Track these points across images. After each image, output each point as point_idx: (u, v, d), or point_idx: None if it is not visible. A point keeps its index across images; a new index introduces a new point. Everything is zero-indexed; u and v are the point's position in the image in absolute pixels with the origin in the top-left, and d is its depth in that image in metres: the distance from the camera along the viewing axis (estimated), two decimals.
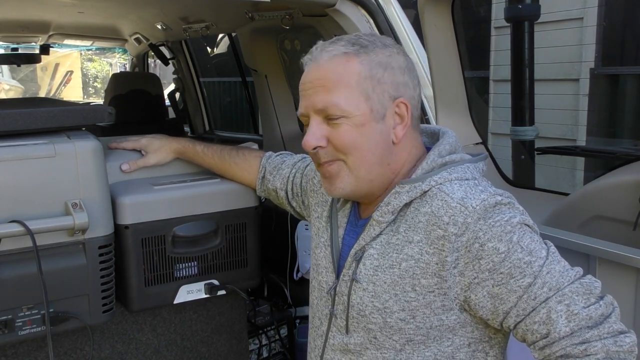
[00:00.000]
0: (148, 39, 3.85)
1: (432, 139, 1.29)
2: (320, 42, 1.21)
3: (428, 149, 1.24)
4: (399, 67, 1.18)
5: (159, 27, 3.34)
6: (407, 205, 1.16)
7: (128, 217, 1.58)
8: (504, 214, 1.08)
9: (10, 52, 4.29)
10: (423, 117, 1.81)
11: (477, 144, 1.59)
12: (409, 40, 1.88)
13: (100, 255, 1.51)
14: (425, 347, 1.13)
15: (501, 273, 1.06)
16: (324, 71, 1.16)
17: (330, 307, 1.26)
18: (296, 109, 2.97)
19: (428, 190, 1.14)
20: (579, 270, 1.09)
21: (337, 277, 1.25)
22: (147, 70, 4.81)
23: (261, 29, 2.64)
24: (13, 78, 10.29)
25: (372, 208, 1.23)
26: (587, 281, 1.07)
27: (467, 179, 1.14)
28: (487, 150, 1.59)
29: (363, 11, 1.92)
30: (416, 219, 1.13)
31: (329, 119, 1.16)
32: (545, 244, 1.11)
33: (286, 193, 1.59)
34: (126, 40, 4.18)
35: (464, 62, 1.65)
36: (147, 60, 4.68)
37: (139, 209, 1.60)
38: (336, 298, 1.24)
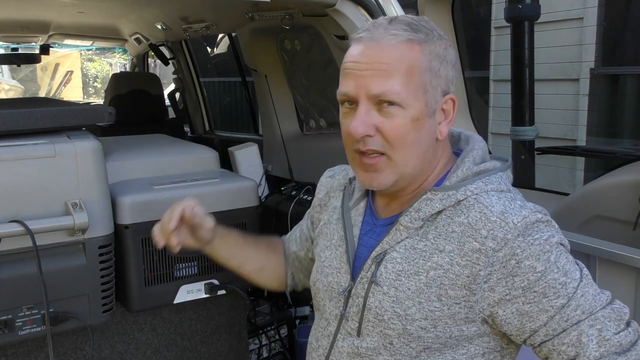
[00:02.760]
0: (148, 39, 3.85)
1: (453, 141, 1.22)
2: (377, 21, 1.12)
3: (455, 153, 1.19)
4: (451, 60, 1.12)
5: (159, 27, 3.34)
6: (438, 212, 1.11)
7: (128, 217, 1.58)
8: (543, 233, 1.05)
9: (10, 52, 4.29)
10: None
11: None
12: None
13: (100, 255, 1.51)
14: (440, 354, 1.10)
15: (535, 292, 1.03)
16: (387, 54, 1.06)
17: (341, 308, 1.19)
18: (297, 109, 2.98)
19: (463, 200, 1.09)
20: (609, 294, 1.08)
21: (353, 278, 1.18)
22: (147, 71, 4.81)
23: (261, 29, 2.64)
24: (13, 78, 10.29)
25: (394, 206, 1.18)
26: (617, 307, 1.06)
27: (502, 191, 1.10)
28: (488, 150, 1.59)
29: (363, 11, 1.92)
30: (449, 228, 1.08)
31: (381, 106, 1.07)
32: (578, 264, 1.09)
33: (307, 250, 1.42)
34: (126, 40, 4.18)
35: (464, 62, 1.65)
36: (147, 60, 4.68)
37: (139, 208, 1.60)
38: (350, 300, 1.17)
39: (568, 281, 1.04)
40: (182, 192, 1.64)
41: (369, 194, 1.24)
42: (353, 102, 1.10)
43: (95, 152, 1.54)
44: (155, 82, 3.88)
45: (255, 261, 1.44)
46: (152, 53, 4.15)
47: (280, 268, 1.47)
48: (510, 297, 1.05)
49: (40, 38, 4.04)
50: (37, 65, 7.33)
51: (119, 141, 1.96)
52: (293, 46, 2.65)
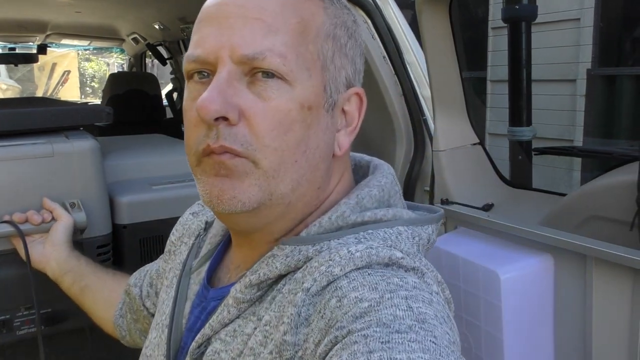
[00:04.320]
0: (146, 39, 3.86)
1: (361, 173, 0.83)
2: None
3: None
4: (360, 44, 0.76)
5: (157, 27, 3.34)
6: (281, 276, 0.71)
7: (126, 217, 1.58)
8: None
9: (7, 51, 4.28)
10: (420, 118, 1.81)
11: (474, 144, 1.60)
12: (407, 40, 1.89)
13: (99, 255, 1.51)
14: None
15: None
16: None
17: None
18: None
19: (315, 259, 0.68)
20: None
21: None
22: (145, 71, 4.81)
23: None
24: (10, 78, 10.28)
25: (244, 268, 0.76)
26: None
27: (386, 265, 0.66)
28: (485, 150, 1.60)
29: (360, 12, 1.92)
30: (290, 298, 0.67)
31: (254, 77, 0.67)
32: None
33: (140, 288, 1.07)
34: (124, 40, 4.19)
35: (461, 63, 1.65)
36: (145, 60, 4.68)
37: (137, 208, 1.60)
38: None
39: None
40: (181, 192, 1.64)
41: (221, 249, 0.84)
42: (208, 72, 0.69)
43: (94, 151, 1.54)
44: (153, 82, 3.88)
45: (85, 278, 1.23)
46: (150, 53, 4.15)
47: (110, 294, 1.17)
48: None
49: (38, 38, 4.04)
50: (35, 65, 7.31)
51: (117, 141, 1.96)
52: None
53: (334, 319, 0.61)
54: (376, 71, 1.86)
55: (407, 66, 1.85)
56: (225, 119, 0.66)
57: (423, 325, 0.58)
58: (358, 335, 0.57)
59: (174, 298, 0.84)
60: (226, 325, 0.73)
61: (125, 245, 1.59)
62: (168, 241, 0.99)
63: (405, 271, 0.66)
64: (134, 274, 1.13)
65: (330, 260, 0.66)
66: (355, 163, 0.84)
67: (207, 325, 0.74)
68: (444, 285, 0.72)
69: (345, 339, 0.57)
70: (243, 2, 0.67)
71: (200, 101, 0.65)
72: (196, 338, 0.75)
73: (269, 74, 0.67)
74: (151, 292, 1.06)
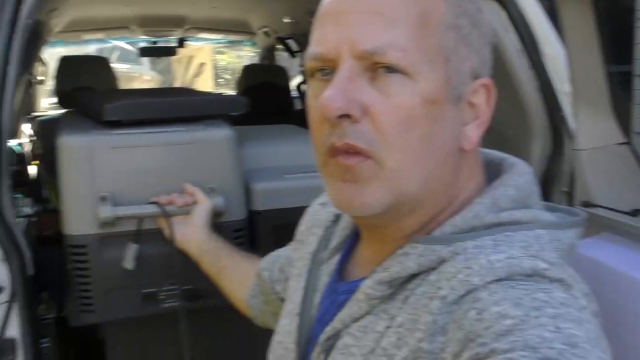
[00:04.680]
0: (276, 32, 3.97)
1: (492, 170, 0.78)
2: None
3: None
4: (486, 33, 0.73)
5: (287, 20, 3.43)
6: (414, 275, 0.70)
7: (260, 204, 1.65)
8: None
9: (151, 45, 4.58)
10: (558, 114, 1.73)
11: (620, 143, 1.50)
12: (545, 32, 1.81)
13: (235, 238, 1.59)
14: None
15: None
16: None
17: None
18: None
19: (451, 259, 0.67)
20: None
21: None
22: (275, 63, 4.96)
23: None
24: (153, 69, 10.99)
25: (375, 262, 0.75)
26: None
27: (528, 275, 0.63)
28: (633, 151, 1.49)
29: (494, 3, 1.86)
30: (426, 301, 0.67)
31: (376, 73, 0.67)
32: None
33: (271, 272, 1.13)
34: (255, 34, 4.34)
35: (605, 56, 1.56)
36: (275, 52, 4.83)
37: (271, 196, 1.66)
38: None
39: None
40: (313, 182, 1.66)
41: (351, 242, 0.84)
42: (329, 68, 0.69)
43: (230, 140, 1.62)
44: (283, 74, 3.99)
45: (223, 259, 1.32)
46: (280, 46, 4.27)
47: (244, 276, 1.23)
48: None
49: (177, 32, 4.29)
50: (173, 57, 7.76)
51: (252, 130, 2.05)
52: None
53: (473, 333, 0.59)
54: (510, 65, 1.79)
55: (545, 60, 1.77)
56: (348, 116, 0.66)
57: (574, 351, 0.55)
58: (502, 358, 0.55)
59: (304, 288, 0.86)
60: (357, 320, 0.73)
61: (259, 231, 1.65)
62: (297, 230, 1.01)
63: (550, 282, 0.63)
64: (265, 257, 1.18)
65: (468, 268, 0.64)
66: (487, 160, 0.79)
67: (337, 318, 0.75)
68: (590, 297, 0.68)
69: None
70: None
71: (322, 99, 0.66)
72: (326, 330, 0.76)
73: (391, 69, 0.66)
74: (281, 277, 1.09)
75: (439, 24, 0.68)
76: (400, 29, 0.66)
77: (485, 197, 0.71)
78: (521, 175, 0.74)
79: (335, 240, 0.86)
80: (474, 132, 0.72)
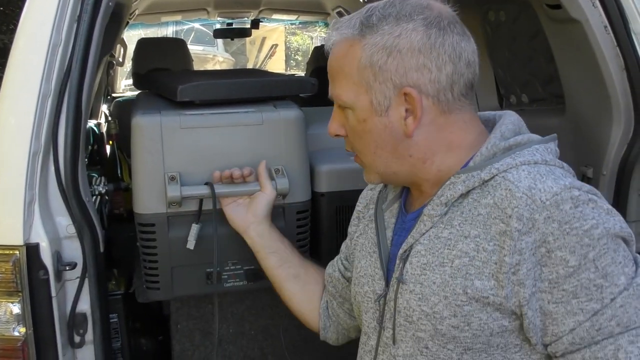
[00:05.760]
0: (350, 12, 3.93)
1: (489, 125, 1.10)
2: (339, 20, 1.08)
3: None
4: (409, 48, 0.98)
5: (362, 0, 3.38)
6: (464, 196, 1.00)
7: (324, 185, 1.64)
8: (586, 220, 0.89)
9: (225, 27, 4.63)
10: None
11: None
12: (635, 8, 1.68)
13: (298, 220, 1.59)
14: (488, 356, 0.98)
15: (563, 289, 0.90)
16: (332, 58, 1.07)
17: (378, 317, 1.11)
18: (497, 85, 2.85)
19: (490, 180, 0.98)
20: None
21: (387, 283, 1.10)
22: None
23: (464, 1, 2.54)
24: (226, 51, 11.17)
25: (422, 200, 1.08)
26: None
27: (536, 163, 0.97)
28: None
29: None
30: (475, 212, 0.98)
31: (343, 108, 1.07)
32: (628, 269, 0.91)
33: (338, 269, 1.36)
34: (329, 14, 4.31)
35: None
36: None
37: (335, 177, 1.64)
38: (385, 307, 1.09)
39: (606, 285, 0.89)
40: None
41: (403, 193, 1.16)
42: None
43: (299, 121, 1.61)
44: None
45: (293, 266, 1.41)
46: None
47: (315, 287, 1.40)
48: (535, 289, 0.91)
49: (252, 13, 4.31)
50: (247, 39, 7.85)
51: (319, 111, 2.03)
52: (497, 17, 2.52)
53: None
54: (594, 42, 1.68)
55: (633, 37, 1.66)
56: (339, 136, 1.12)
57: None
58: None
59: (376, 228, 1.15)
60: (424, 234, 1.03)
61: (322, 212, 1.64)
62: (354, 213, 1.31)
63: (551, 165, 0.99)
64: (328, 265, 1.39)
65: (506, 180, 0.96)
66: (485, 119, 1.11)
67: (409, 236, 1.05)
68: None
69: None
70: (327, 64, 1.08)
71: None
72: (402, 246, 1.06)
73: (344, 105, 1.06)
74: (347, 264, 1.32)
75: (358, 70, 1.02)
76: (337, 82, 1.06)
77: (495, 133, 1.04)
78: (512, 115, 1.08)
79: (391, 194, 1.18)
80: (411, 124, 1.01)
